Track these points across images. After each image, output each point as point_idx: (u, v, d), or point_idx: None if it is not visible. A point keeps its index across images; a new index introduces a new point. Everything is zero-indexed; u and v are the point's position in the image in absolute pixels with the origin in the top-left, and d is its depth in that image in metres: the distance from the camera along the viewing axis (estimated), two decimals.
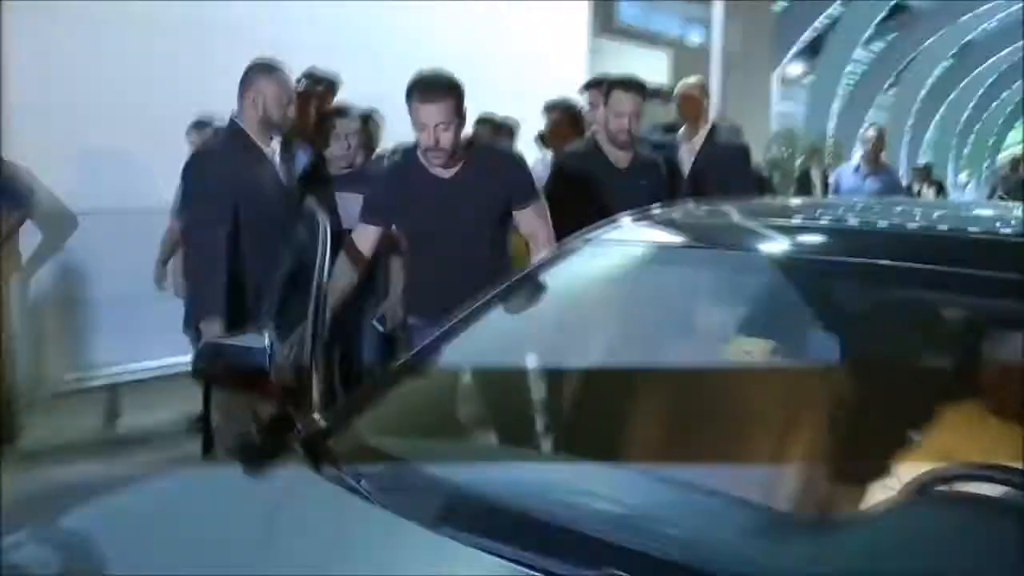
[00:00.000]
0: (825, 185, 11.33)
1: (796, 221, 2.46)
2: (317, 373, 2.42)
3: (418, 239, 3.69)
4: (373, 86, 5.33)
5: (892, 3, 32.52)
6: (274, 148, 4.04)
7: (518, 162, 3.75)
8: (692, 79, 6.16)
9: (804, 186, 11.73)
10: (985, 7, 34.00)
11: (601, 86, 5.32)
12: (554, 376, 2.38)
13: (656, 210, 2.58)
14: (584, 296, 2.43)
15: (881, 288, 2.08)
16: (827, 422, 1.90)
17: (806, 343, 2.06)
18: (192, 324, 4.10)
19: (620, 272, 2.37)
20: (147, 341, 5.74)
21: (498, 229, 3.68)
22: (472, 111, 5.50)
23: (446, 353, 2.24)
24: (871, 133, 8.51)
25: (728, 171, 5.65)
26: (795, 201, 4.44)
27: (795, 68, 30.73)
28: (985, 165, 39.61)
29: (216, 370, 2.48)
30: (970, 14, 34.17)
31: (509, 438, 2.25)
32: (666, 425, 2.01)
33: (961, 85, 39.25)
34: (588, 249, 2.38)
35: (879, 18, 32.65)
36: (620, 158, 4.65)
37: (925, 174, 14.43)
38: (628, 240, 2.41)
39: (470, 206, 3.54)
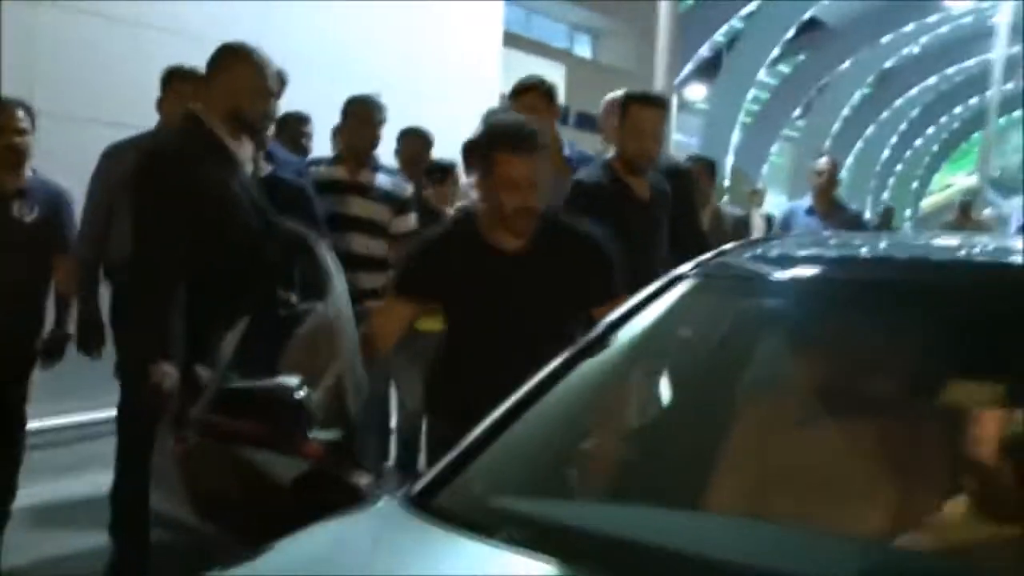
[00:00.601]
0: (768, 230, 11.52)
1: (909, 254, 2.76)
2: (368, 430, 2.55)
3: (461, 324, 3.59)
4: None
5: (802, 18, 33.92)
6: (247, 151, 3.91)
7: (603, 250, 3.55)
8: (619, 94, 6.15)
9: (739, 233, 11.92)
10: (909, 27, 35.97)
11: (528, 94, 5.29)
12: (679, 422, 2.56)
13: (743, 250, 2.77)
14: (707, 337, 2.62)
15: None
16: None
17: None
18: (131, 366, 3.87)
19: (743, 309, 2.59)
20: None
21: (563, 325, 3.46)
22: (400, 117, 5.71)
23: (546, 404, 2.39)
24: (823, 165, 8.22)
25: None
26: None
27: (695, 90, 31.71)
28: (908, 213, 41.54)
29: (237, 423, 2.54)
30: (891, 35, 36.07)
31: (634, 487, 2.41)
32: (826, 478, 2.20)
33: (880, 118, 41.27)
34: (693, 284, 2.59)
35: (787, 36, 34.05)
36: (640, 187, 4.66)
37: (887, 219, 15.27)
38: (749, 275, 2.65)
39: (536, 289, 3.44)
